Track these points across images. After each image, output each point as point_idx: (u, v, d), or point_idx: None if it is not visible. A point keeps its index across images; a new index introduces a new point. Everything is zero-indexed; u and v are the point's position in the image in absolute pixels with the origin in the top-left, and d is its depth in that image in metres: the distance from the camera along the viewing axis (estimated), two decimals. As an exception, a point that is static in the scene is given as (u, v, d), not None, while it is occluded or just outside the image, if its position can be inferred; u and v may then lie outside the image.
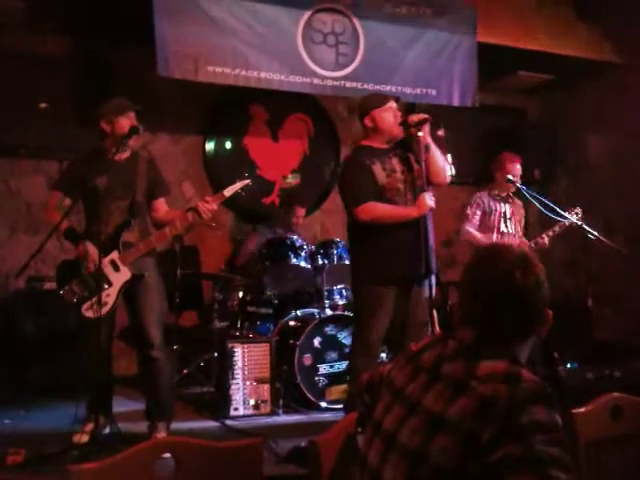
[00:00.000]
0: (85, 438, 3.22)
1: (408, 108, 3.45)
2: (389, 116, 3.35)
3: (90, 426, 3.26)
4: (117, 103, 3.40)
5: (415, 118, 3.28)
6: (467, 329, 1.28)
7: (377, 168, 3.30)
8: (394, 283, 3.27)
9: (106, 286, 3.24)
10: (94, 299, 3.16)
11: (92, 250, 3.22)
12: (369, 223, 3.25)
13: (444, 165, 3.43)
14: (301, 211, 5.14)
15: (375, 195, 3.26)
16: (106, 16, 4.49)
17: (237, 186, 3.43)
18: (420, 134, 3.25)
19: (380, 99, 3.45)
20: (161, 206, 3.51)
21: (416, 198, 3.27)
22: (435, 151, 3.37)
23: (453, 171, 3.44)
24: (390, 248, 3.25)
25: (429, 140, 3.33)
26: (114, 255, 3.26)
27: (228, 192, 3.39)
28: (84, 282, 3.25)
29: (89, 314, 3.20)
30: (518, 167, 4.41)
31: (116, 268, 3.27)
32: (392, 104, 3.38)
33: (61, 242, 3.56)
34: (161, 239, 3.38)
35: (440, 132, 4.85)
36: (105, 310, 3.21)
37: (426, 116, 3.28)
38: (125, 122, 3.32)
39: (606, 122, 5.86)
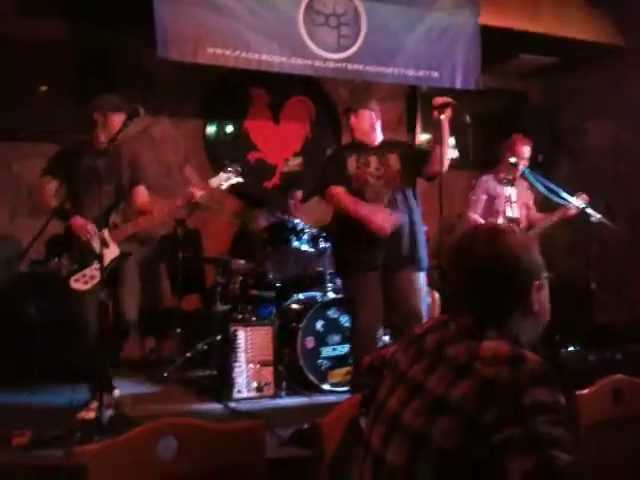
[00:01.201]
0: (91, 414, 3.25)
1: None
2: (363, 123, 3.54)
3: (95, 404, 3.29)
4: (113, 100, 3.54)
5: (440, 101, 3.31)
6: (464, 313, 1.29)
7: (351, 159, 3.48)
8: (376, 270, 3.39)
9: (96, 261, 3.35)
10: (84, 271, 3.34)
11: (84, 223, 3.38)
12: (336, 209, 3.47)
13: (448, 155, 3.46)
14: (298, 194, 5.13)
15: (343, 183, 3.44)
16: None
17: (221, 178, 3.58)
18: (442, 117, 3.29)
19: (358, 104, 3.62)
20: (142, 193, 3.67)
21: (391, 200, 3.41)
22: (447, 139, 3.41)
23: (456, 154, 3.49)
24: (368, 237, 3.34)
25: (446, 126, 3.36)
26: (104, 233, 3.40)
27: (214, 183, 3.56)
28: (74, 255, 3.40)
29: (77, 286, 3.35)
30: (527, 149, 4.39)
31: (105, 245, 3.39)
32: (368, 112, 3.54)
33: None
34: (148, 221, 3.54)
35: (467, 118, 4.91)
36: (92, 283, 3.35)
37: (451, 100, 3.31)
38: (117, 119, 3.45)
39: (608, 107, 5.81)
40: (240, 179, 3.66)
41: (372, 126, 3.55)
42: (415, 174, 3.55)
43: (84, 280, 3.35)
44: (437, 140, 3.39)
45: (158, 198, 3.74)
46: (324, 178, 3.54)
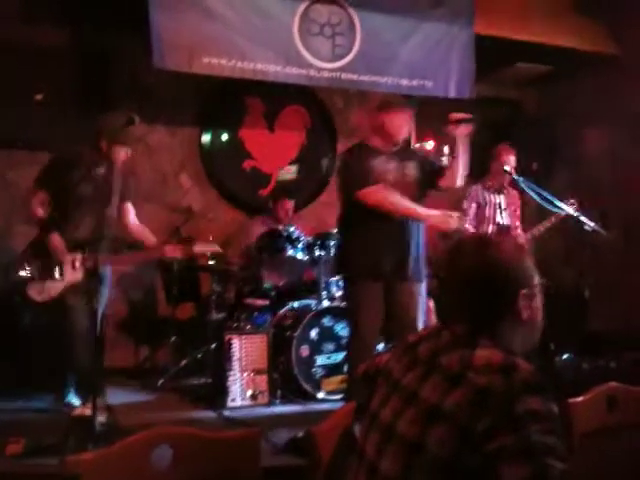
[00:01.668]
0: (87, 411, 3.24)
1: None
2: (397, 122, 3.42)
3: (89, 405, 3.28)
4: (122, 132, 3.48)
5: (457, 116, 3.35)
6: (456, 321, 1.29)
7: (376, 163, 3.38)
8: (381, 278, 3.34)
9: (58, 278, 3.48)
10: (43, 284, 3.47)
11: (58, 244, 3.47)
12: (372, 207, 3.28)
13: (463, 170, 3.47)
14: (289, 204, 5.12)
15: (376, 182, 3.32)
16: (102, 7, 4.46)
17: (208, 248, 3.76)
18: (458, 132, 3.34)
19: (393, 104, 3.52)
20: (128, 211, 3.78)
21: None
22: (463, 155, 3.42)
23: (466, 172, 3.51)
24: (378, 243, 3.32)
25: (464, 142, 3.39)
26: (77, 256, 3.49)
27: (198, 249, 3.64)
28: (41, 266, 3.50)
29: (32, 293, 3.48)
30: (513, 159, 4.43)
31: (73, 267, 3.50)
32: (403, 114, 3.45)
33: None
34: (124, 263, 3.73)
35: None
36: (45, 297, 3.48)
37: (469, 116, 3.35)
38: (122, 153, 3.53)
39: (604, 115, 5.85)
40: (218, 249, 3.80)
41: (401, 129, 3.45)
42: (428, 186, 3.53)
43: (39, 290, 3.48)
44: (453, 155, 3.42)
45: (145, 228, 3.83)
46: (364, 177, 3.32)
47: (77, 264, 3.50)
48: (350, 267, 3.47)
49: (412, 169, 3.46)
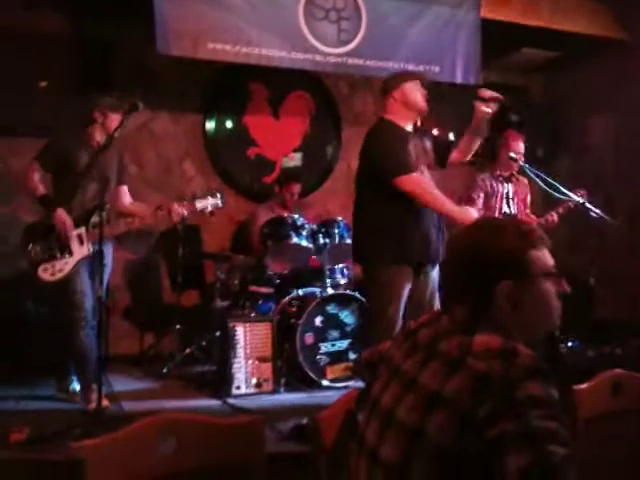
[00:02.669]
0: (105, 402, 3.28)
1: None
2: (418, 90, 3.30)
3: (94, 395, 3.30)
4: (113, 100, 3.59)
5: (488, 93, 3.25)
6: (454, 305, 1.28)
7: (411, 146, 3.25)
8: (409, 262, 3.23)
9: (67, 255, 3.46)
10: (53, 262, 3.44)
11: (66, 218, 3.45)
12: (407, 195, 3.14)
13: (475, 147, 3.43)
14: (296, 187, 5.08)
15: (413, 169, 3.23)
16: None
17: (209, 202, 3.71)
18: (488, 110, 3.22)
19: (409, 74, 3.49)
20: (124, 194, 3.81)
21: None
22: (481, 135, 3.36)
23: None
24: (408, 228, 3.21)
25: (485, 121, 3.29)
26: (82, 230, 3.49)
27: (199, 204, 3.68)
28: (48, 246, 3.47)
29: (44, 275, 3.44)
30: (521, 145, 4.38)
31: (80, 242, 3.49)
32: (419, 82, 3.35)
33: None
34: (126, 228, 3.61)
35: (514, 117, 4.87)
36: (59, 276, 3.45)
37: (499, 96, 3.24)
38: (116, 119, 3.51)
39: (609, 102, 5.80)
40: (220, 203, 3.77)
41: (424, 97, 3.30)
42: (438, 165, 3.48)
43: (52, 271, 3.44)
44: (472, 131, 3.32)
45: (140, 203, 3.88)
46: (404, 162, 3.16)
47: (84, 238, 3.48)
48: (380, 252, 3.24)
49: (429, 147, 3.41)
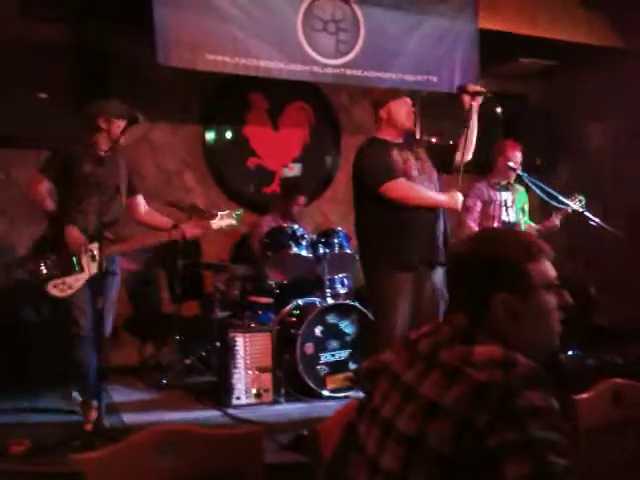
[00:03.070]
0: (89, 427, 3.24)
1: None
2: (404, 109, 3.45)
3: (94, 415, 3.28)
4: (118, 105, 3.51)
5: (473, 88, 3.43)
6: (456, 315, 1.28)
7: (394, 153, 3.39)
8: (412, 269, 3.29)
9: (78, 272, 3.38)
10: (64, 278, 3.33)
11: (78, 235, 3.35)
12: (395, 201, 3.28)
13: (472, 142, 3.51)
14: (301, 199, 5.12)
15: (399, 176, 3.33)
16: (104, 3, 4.46)
17: (223, 223, 3.62)
18: (474, 103, 3.40)
19: (396, 92, 3.58)
20: (141, 203, 3.71)
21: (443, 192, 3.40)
22: (473, 128, 3.46)
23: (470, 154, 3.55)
24: (407, 233, 3.28)
25: (475, 115, 3.44)
26: (94, 246, 3.37)
27: (215, 226, 3.60)
28: (58, 262, 3.37)
29: (54, 292, 3.34)
30: (519, 155, 4.40)
31: (93, 259, 3.39)
32: (407, 99, 3.50)
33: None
34: (140, 245, 3.59)
35: (498, 109, 4.92)
36: (68, 292, 3.35)
37: (484, 90, 3.43)
38: (121, 124, 3.44)
39: (607, 109, 5.82)
40: (235, 222, 3.70)
41: (409, 116, 3.48)
42: (443, 169, 3.56)
43: (62, 288, 3.35)
44: (465, 128, 3.43)
45: (155, 211, 3.78)
46: (385, 172, 3.31)
47: (96, 255, 3.37)
48: (378, 259, 3.34)
49: (425, 155, 3.49)
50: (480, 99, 3.43)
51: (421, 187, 3.35)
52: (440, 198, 3.37)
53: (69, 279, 3.35)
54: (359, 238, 3.53)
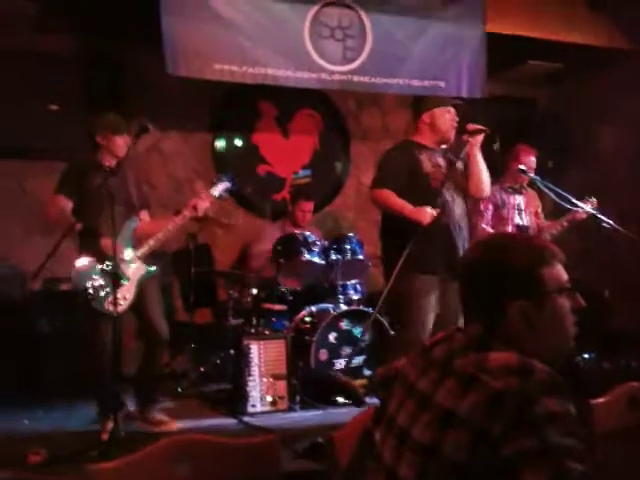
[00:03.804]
0: (106, 436, 3.26)
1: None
2: (447, 117, 3.50)
3: (110, 425, 3.29)
4: (114, 121, 3.51)
5: (473, 127, 3.46)
6: (471, 323, 1.28)
7: (424, 158, 3.44)
8: (434, 272, 3.33)
9: (125, 282, 3.39)
10: (115, 294, 3.25)
11: (113, 245, 3.29)
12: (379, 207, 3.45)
13: (486, 180, 3.54)
14: (307, 205, 5.09)
15: (420, 183, 3.39)
16: (115, 15, 4.50)
17: (219, 188, 3.62)
18: (471, 140, 3.43)
19: (444, 100, 3.65)
20: (145, 217, 3.73)
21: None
22: (482, 164, 3.49)
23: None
24: (426, 237, 3.27)
25: (478, 152, 3.47)
26: (126, 252, 3.43)
27: (215, 192, 3.61)
28: (103, 280, 3.35)
29: (113, 310, 3.24)
30: (533, 159, 4.39)
31: (130, 263, 3.44)
32: (451, 109, 3.54)
33: (76, 243, 3.66)
34: (167, 234, 3.55)
35: (495, 146, 4.99)
36: (127, 304, 3.38)
37: (484, 128, 3.45)
38: (121, 141, 3.47)
39: (618, 111, 5.79)
40: (234, 187, 3.75)
41: (454, 123, 3.51)
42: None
43: (116, 303, 3.25)
44: (471, 169, 3.48)
45: (161, 217, 3.81)
46: (380, 178, 3.45)
47: (132, 259, 3.44)
48: (403, 262, 3.28)
49: (458, 164, 3.54)
50: (481, 137, 3.45)
51: (399, 201, 3.35)
52: (406, 211, 3.34)
53: (120, 291, 3.33)
54: (382, 240, 3.61)
